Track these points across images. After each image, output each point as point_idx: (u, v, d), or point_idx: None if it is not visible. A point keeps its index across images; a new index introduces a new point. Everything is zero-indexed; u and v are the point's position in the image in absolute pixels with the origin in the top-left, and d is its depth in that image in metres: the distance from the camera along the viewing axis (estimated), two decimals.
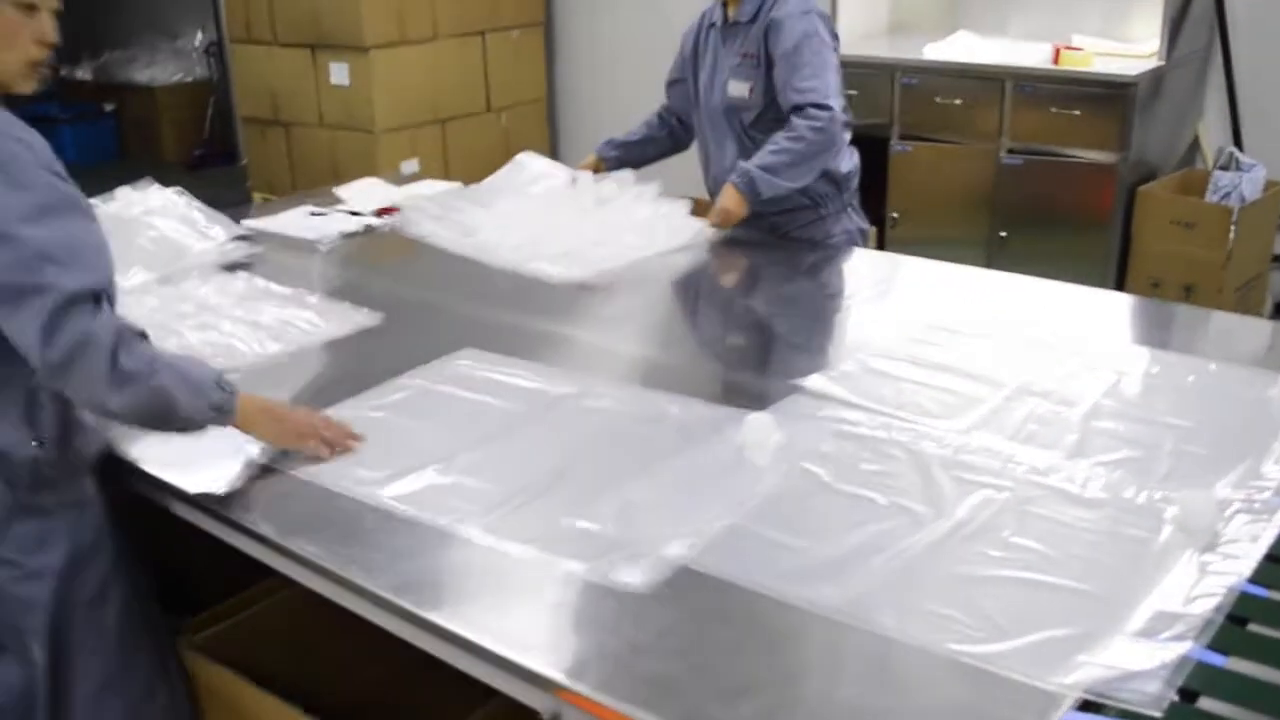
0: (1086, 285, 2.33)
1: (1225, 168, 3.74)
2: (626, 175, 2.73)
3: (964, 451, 1.56)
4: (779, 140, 2.46)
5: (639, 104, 2.98)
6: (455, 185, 3.01)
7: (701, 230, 2.53)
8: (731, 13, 2.58)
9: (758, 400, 1.74)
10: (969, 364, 1.86)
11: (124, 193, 2.60)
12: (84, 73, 5.57)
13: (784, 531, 1.39)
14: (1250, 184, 3.65)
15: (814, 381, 1.81)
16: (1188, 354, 1.91)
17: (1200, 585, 1.24)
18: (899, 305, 2.22)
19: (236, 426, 1.54)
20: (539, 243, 2.47)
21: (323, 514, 1.47)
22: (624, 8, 4.93)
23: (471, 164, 4.41)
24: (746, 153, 2.58)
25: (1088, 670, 1.12)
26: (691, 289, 2.43)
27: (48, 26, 1.49)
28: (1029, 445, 1.58)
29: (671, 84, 2.80)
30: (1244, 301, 3.68)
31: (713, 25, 2.66)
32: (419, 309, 2.22)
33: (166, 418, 1.47)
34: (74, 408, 1.54)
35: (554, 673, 1.16)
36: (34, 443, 1.49)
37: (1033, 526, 1.38)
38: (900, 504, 1.44)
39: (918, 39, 4.11)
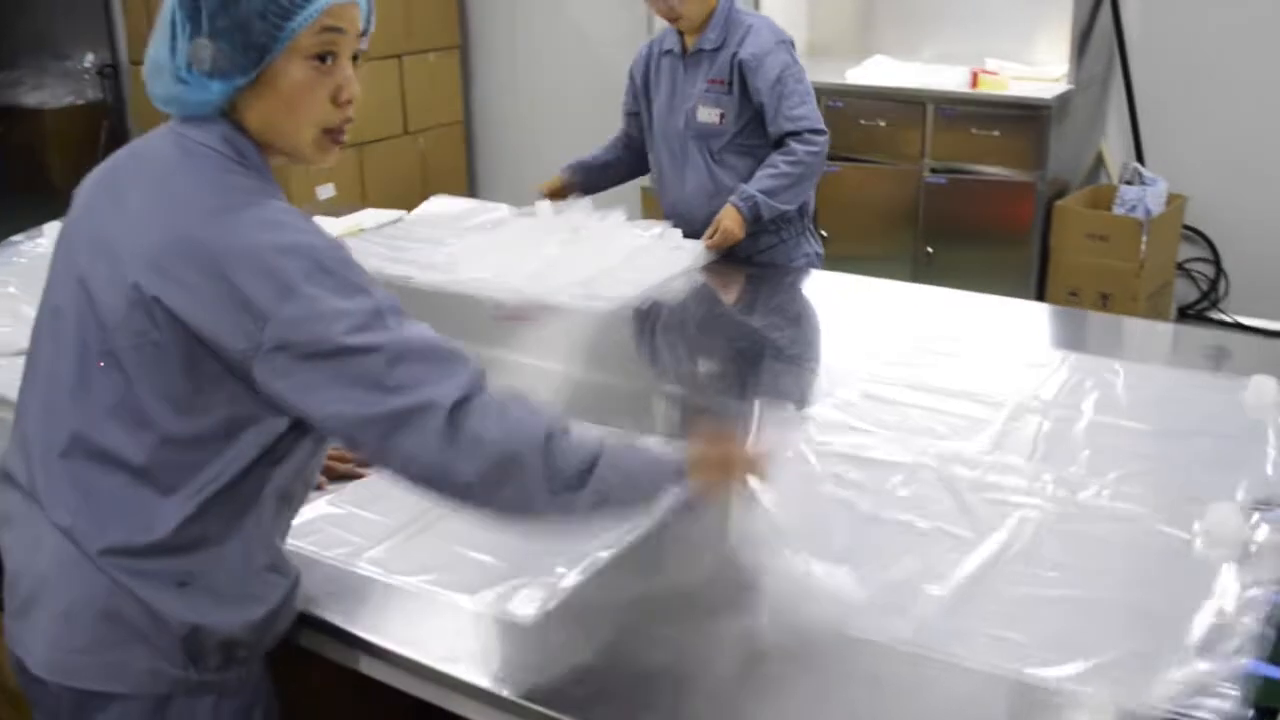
0: (1010, 297, 2.43)
1: (1130, 183, 3.96)
2: (586, 203, 2.70)
3: (991, 472, 1.60)
4: (777, 164, 2.50)
5: (556, 126, 2.97)
6: (398, 214, 2.94)
7: (702, 253, 2.53)
8: (692, 41, 2.59)
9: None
10: (962, 383, 1.90)
11: (53, 229, 2.43)
12: None
13: (836, 562, 1.38)
14: (1154, 197, 3.87)
15: (820, 409, 1.82)
16: (1156, 365, 2.00)
17: (1245, 596, 1.30)
18: (874, 327, 2.25)
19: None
20: (554, 273, 2.41)
21: None
22: (540, 30, 4.90)
23: (388, 188, 4.31)
24: (714, 177, 2.59)
25: (1164, 688, 1.15)
26: (658, 318, 2.39)
27: (347, 78, 1.16)
28: (1046, 463, 1.63)
29: (629, 115, 2.80)
30: (1154, 307, 3.89)
31: (666, 53, 2.66)
32: None
33: (628, 509, 1.25)
34: (296, 588, 1.29)
35: None
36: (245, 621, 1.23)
37: (1073, 544, 1.42)
38: (942, 528, 1.46)
39: (835, 63, 4.21)
